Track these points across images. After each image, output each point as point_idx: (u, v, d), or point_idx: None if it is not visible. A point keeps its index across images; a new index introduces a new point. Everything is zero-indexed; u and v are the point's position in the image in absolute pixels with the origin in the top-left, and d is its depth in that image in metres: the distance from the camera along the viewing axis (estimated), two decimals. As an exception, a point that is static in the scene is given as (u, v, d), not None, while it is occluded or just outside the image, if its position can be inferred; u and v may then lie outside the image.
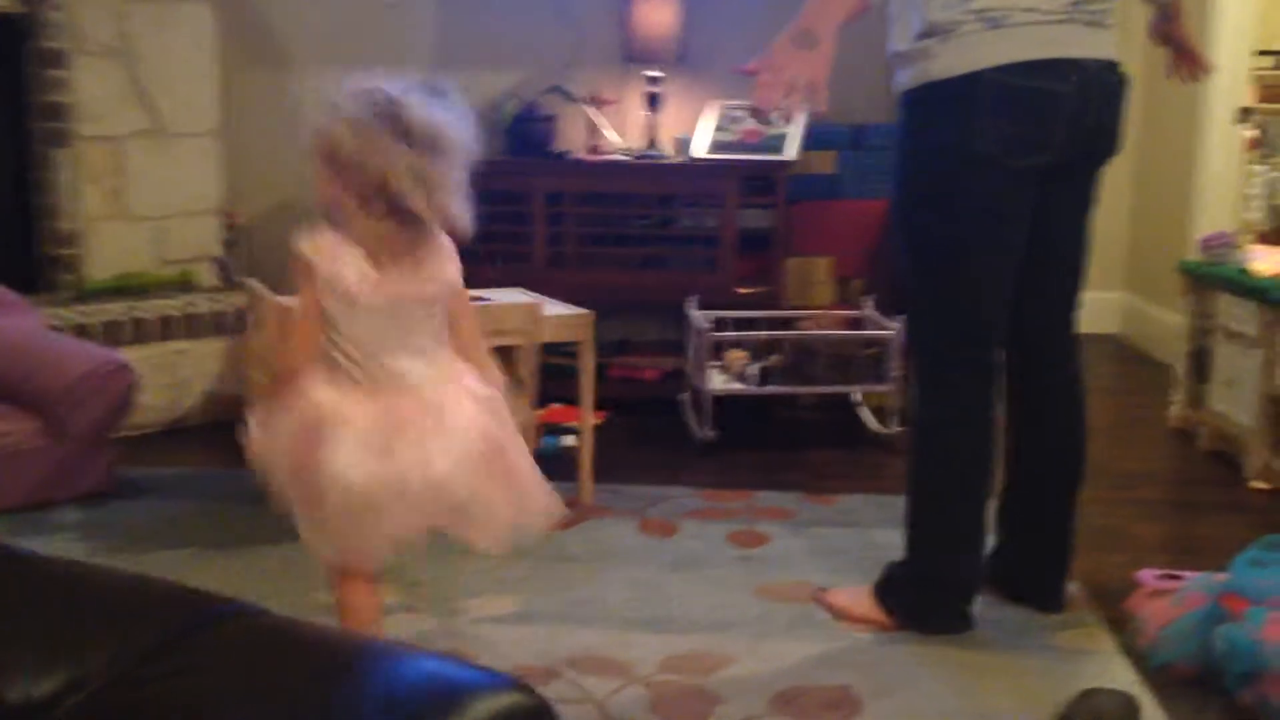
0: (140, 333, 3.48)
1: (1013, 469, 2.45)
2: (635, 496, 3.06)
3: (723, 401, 3.55)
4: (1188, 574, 2.38)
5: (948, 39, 2.11)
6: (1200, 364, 3.58)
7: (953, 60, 2.11)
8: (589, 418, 2.99)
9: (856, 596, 2.42)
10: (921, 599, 2.34)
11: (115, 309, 3.55)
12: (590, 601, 2.47)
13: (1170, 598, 2.25)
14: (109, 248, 3.76)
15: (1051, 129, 2.14)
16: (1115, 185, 3.80)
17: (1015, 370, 2.40)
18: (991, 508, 2.36)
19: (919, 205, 2.25)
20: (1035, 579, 2.45)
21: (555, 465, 3.20)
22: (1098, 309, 4.81)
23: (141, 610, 1.31)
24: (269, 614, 1.36)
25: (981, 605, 2.39)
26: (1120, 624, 2.35)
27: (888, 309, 3.64)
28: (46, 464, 2.89)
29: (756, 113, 2.03)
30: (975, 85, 2.10)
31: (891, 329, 3.49)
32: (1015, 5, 2.09)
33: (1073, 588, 2.49)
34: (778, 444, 3.59)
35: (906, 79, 2.21)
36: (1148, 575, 2.53)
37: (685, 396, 3.77)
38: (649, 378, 3.94)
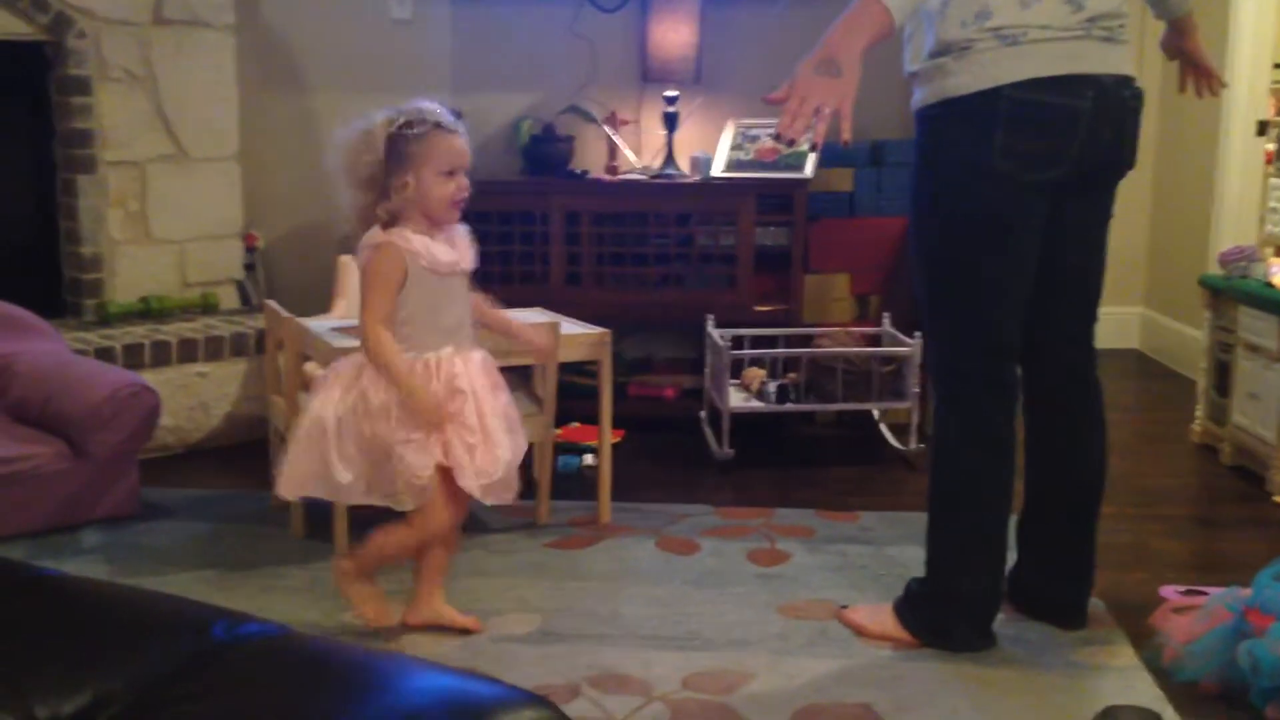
0: (161, 355, 3.50)
1: (1033, 485, 2.44)
2: (654, 515, 3.06)
3: (741, 419, 3.55)
4: (1211, 590, 2.37)
5: (963, 56, 2.12)
6: (1222, 379, 3.56)
7: (970, 77, 2.13)
8: (607, 436, 3.00)
9: (877, 613, 2.41)
10: (943, 616, 2.33)
11: (137, 332, 3.58)
12: (611, 619, 2.47)
13: (1194, 614, 2.23)
14: (132, 271, 3.79)
15: (1068, 144, 2.15)
16: (1135, 200, 3.81)
17: (1034, 385, 2.39)
18: (1012, 524, 2.35)
19: (934, 219, 2.26)
20: (1057, 595, 2.44)
21: (574, 484, 3.24)
22: (1118, 324, 4.81)
23: (167, 629, 1.33)
24: (292, 633, 1.37)
25: (1003, 622, 2.38)
26: (1143, 640, 2.33)
27: (906, 326, 3.64)
28: (70, 486, 2.91)
29: (784, 140, 2.04)
30: (993, 101, 2.11)
31: (909, 346, 3.49)
32: (1030, 23, 2.10)
33: (1095, 604, 2.48)
34: (796, 461, 3.59)
35: (923, 97, 2.22)
36: (1171, 591, 2.52)
37: (704, 414, 3.77)
38: (667, 396, 3.95)
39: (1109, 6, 2.14)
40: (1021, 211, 2.19)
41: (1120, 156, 2.24)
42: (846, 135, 2.00)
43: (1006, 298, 2.24)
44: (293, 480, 2.29)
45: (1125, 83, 2.18)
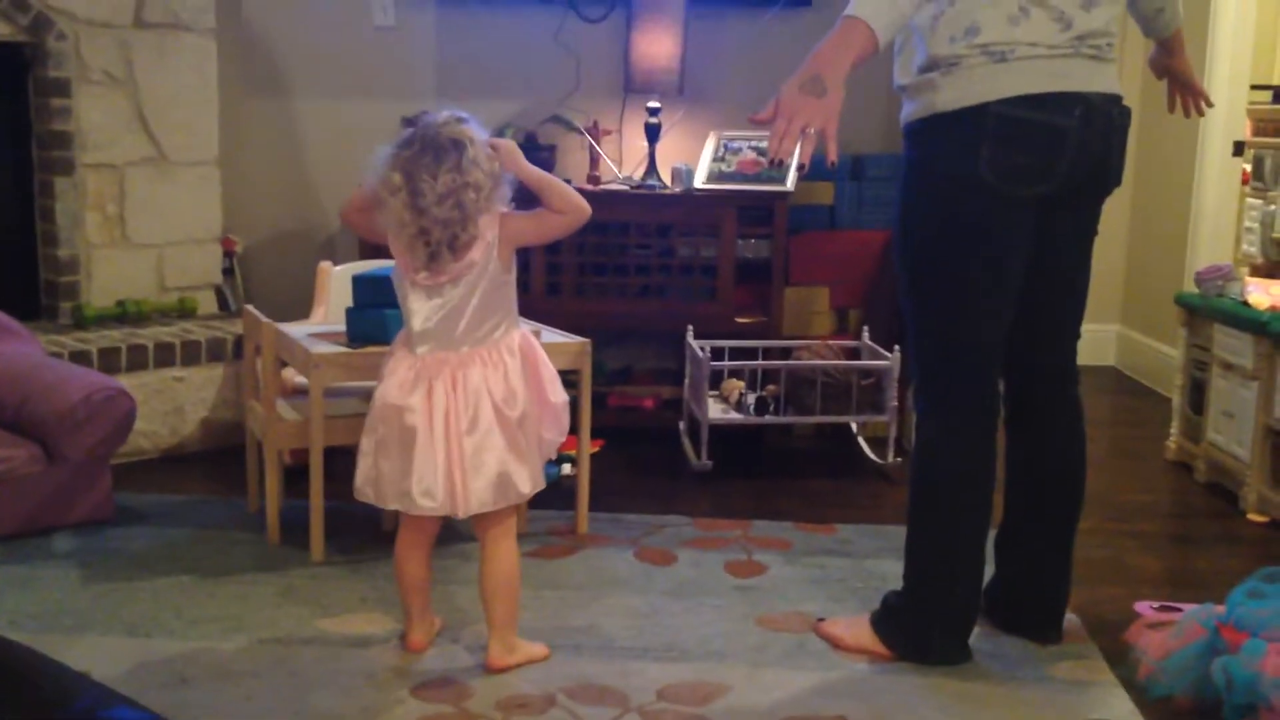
0: (138, 360, 3.48)
1: (1012, 499, 2.45)
2: (632, 525, 3.05)
3: (720, 431, 3.55)
4: (1186, 606, 2.39)
5: (951, 72, 2.14)
6: (1197, 396, 3.59)
7: (957, 93, 2.14)
8: (586, 446, 2.99)
9: (854, 626, 2.41)
10: (919, 629, 2.34)
11: (114, 336, 3.56)
12: (587, 630, 2.46)
13: (1169, 630, 2.24)
14: (109, 275, 3.77)
15: (1055, 161, 2.16)
16: (1113, 218, 3.83)
17: (1015, 399, 2.41)
18: (990, 537, 2.36)
19: (919, 231, 2.27)
20: (1034, 610, 2.45)
21: (553, 493, 3.23)
22: (1095, 341, 4.84)
23: (25, 696, 1.26)
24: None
25: (979, 636, 2.39)
26: (1119, 656, 2.34)
27: (885, 339, 3.65)
28: (44, 490, 2.88)
29: (773, 160, 2.05)
30: (980, 117, 2.12)
31: (888, 359, 3.50)
32: (1019, 40, 2.11)
33: (1071, 619, 2.49)
34: (774, 473, 3.59)
35: (911, 111, 2.23)
36: (1146, 607, 2.53)
37: (683, 425, 3.77)
38: (646, 406, 3.95)
39: (1097, 25, 2.15)
40: (1007, 226, 2.20)
41: (1107, 174, 2.25)
42: (832, 156, 2.01)
43: (990, 312, 2.25)
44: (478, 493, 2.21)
45: (1113, 101, 2.20)
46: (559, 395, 2.32)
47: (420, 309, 2.22)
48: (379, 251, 3.74)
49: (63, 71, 3.60)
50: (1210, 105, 2.53)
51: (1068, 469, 2.41)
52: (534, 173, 2.26)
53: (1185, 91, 2.50)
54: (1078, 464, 2.41)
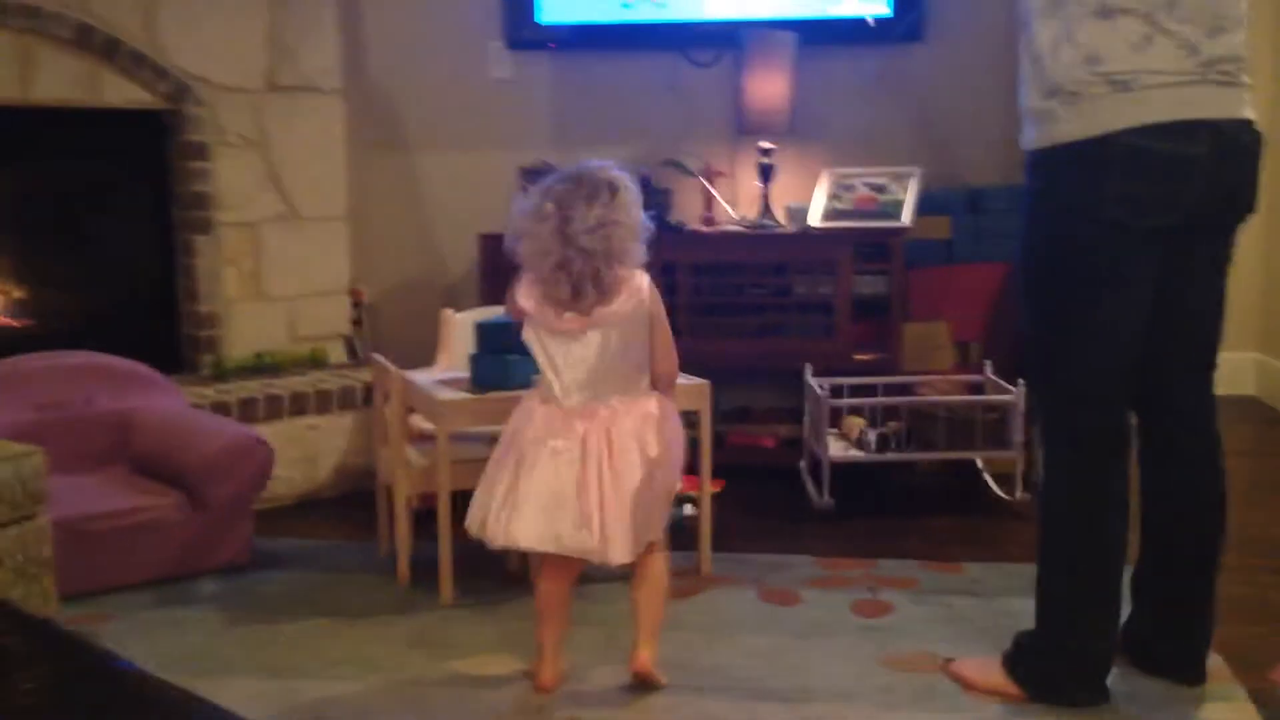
0: (274, 409, 3.61)
1: (1149, 536, 2.37)
2: (754, 565, 3.05)
3: (841, 468, 3.53)
4: (1336, 644, 2.29)
5: (1074, 102, 2.10)
6: (1342, 424, 3.44)
7: (1080, 124, 2.10)
8: (707, 486, 3.00)
9: (986, 667, 2.37)
10: (1054, 670, 2.28)
11: (251, 386, 3.70)
12: (712, 671, 2.46)
13: (1318, 669, 2.15)
14: (246, 328, 3.93)
15: (1183, 192, 2.10)
16: (1248, 242, 3.71)
17: (1148, 433, 2.34)
18: (1127, 574, 2.29)
19: (1043, 265, 2.23)
20: (1175, 650, 2.37)
21: (674, 535, 3.23)
22: (1232, 370, 4.65)
23: None
24: None
25: (1117, 677, 2.32)
26: (1265, 696, 2.26)
27: (1008, 373, 3.59)
28: (188, 536, 3.01)
29: None
30: (1104, 148, 2.08)
31: (1012, 393, 3.44)
32: (1144, 68, 2.06)
33: (1214, 659, 2.40)
34: (898, 511, 3.54)
35: (1034, 138, 2.20)
36: (1293, 645, 2.43)
37: (803, 464, 3.76)
38: (767, 445, 3.94)
39: (1226, 51, 2.09)
40: (1134, 258, 2.15)
41: (1240, 201, 2.19)
42: None
43: (1118, 346, 2.20)
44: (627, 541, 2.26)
45: (1244, 127, 2.13)
46: (683, 444, 2.37)
47: (565, 359, 2.27)
48: (500, 299, 3.84)
49: (201, 135, 3.78)
50: None
51: (1206, 504, 2.33)
52: (661, 315, 2.35)
53: None
54: (1217, 499, 2.33)
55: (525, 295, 2.28)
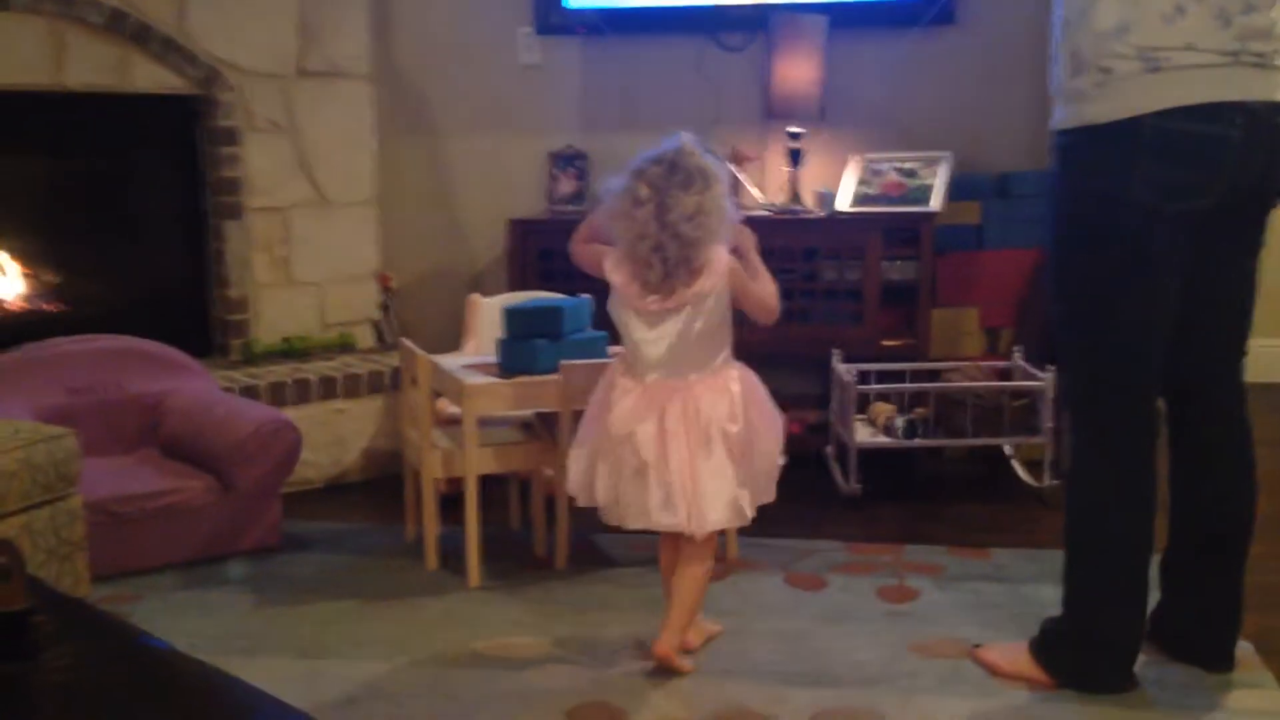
0: (303, 393, 3.63)
1: (1178, 523, 2.36)
2: (781, 550, 3.05)
3: (868, 455, 3.52)
4: (1369, 633, 2.26)
5: (1105, 81, 2.07)
6: (1378, 412, 3.39)
7: (1109, 105, 2.08)
8: (734, 472, 3.00)
9: (1013, 653, 2.36)
10: (1081, 656, 2.27)
11: (280, 370, 3.73)
12: (739, 655, 2.46)
13: (1350, 658, 2.13)
14: (275, 313, 3.95)
15: (1215, 175, 2.08)
16: None
17: (1178, 420, 2.33)
18: (1154, 561, 2.28)
19: (1071, 250, 2.22)
20: (1203, 637, 2.35)
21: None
22: (1265, 357, 4.61)
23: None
24: None
25: (1145, 663, 2.31)
26: (1296, 685, 2.24)
27: (1038, 359, 3.56)
28: (218, 518, 3.03)
29: None
30: (1135, 131, 2.06)
31: (1042, 380, 3.41)
32: (1174, 44, 2.03)
33: (1243, 646, 2.38)
34: (925, 498, 3.53)
35: (1062, 118, 2.18)
36: (1324, 634, 2.41)
37: (830, 450, 3.75)
38: (794, 431, 3.92)
39: (1262, 23, 2.04)
40: (1164, 243, 2.12)
41: (1272, 185, 2.16)
42: None
43: (1147, 332, 2.18)
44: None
45: (1277, 109, 2.09)
46: (778, 415, 2.45)
47: (646, 336, 2.34)
48: (528, 284, 3.85)
49: (231, 121, 3.80)
50: None
51: (1235, 493, 2.31)
52: (757, 262, 2.41)
53: None
54: (1246, 488, 2.31)
55: (614, 269, 2.35)
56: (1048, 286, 2.31)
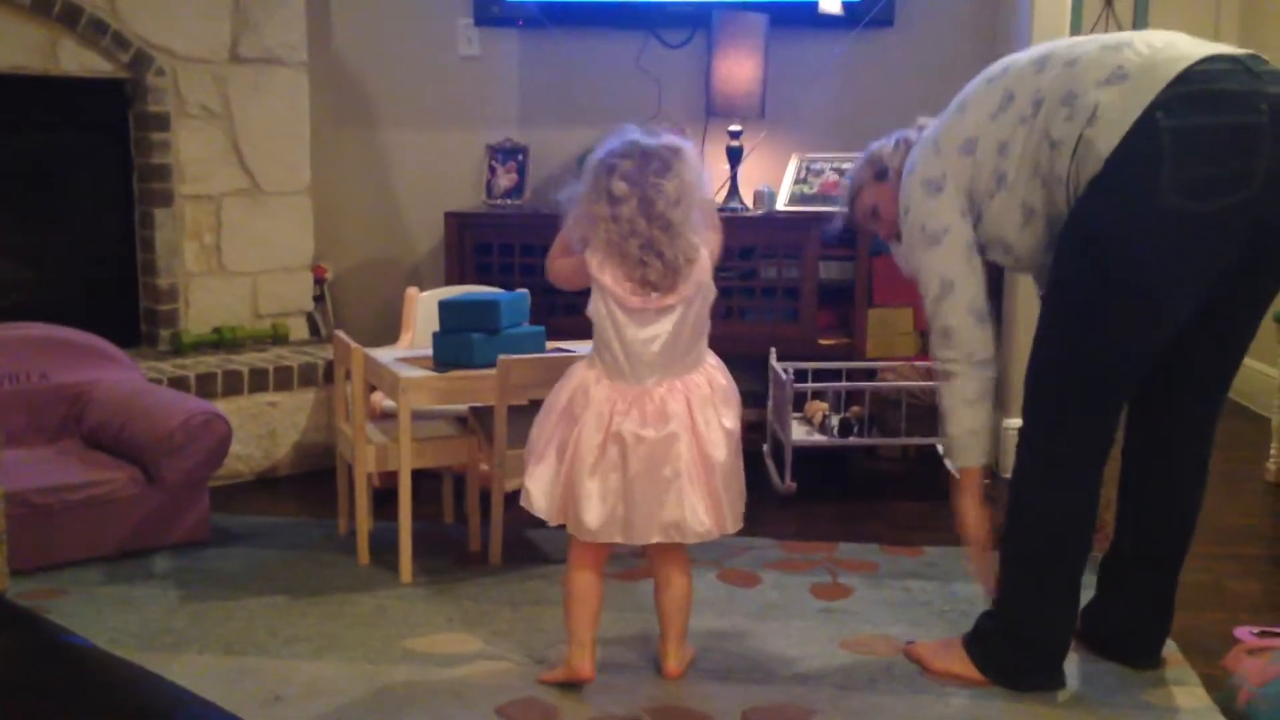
0: (233, 385, 3.57)
1: (1127, 527, 2.37)
2: (715, 547, 3.03)
3: (804, 453, 3.53)
4: (1288, 631, 2.31)
5: (1095, 122, 2.04)
6: (1298, 415, 3.48)
7: (1113, 123, 2.02)
8: (671, 468, 2.99)
9: (946, 649, 2.38)
10: (1014, 654, 2.29)
11: (210, 361, 3.66)
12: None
13: (1269, 655, 2.18)
14: (206, 303, 3.88)
15: (1250, 164, 1.96)
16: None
17: (1151, 431, 2.31)
18: (1094, 561, 2.30)
19: (1086, 267, 2.11)
20: (1134, 638, 2.39)
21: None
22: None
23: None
24: None
25: (1074, 661, 2.34)
26: (1217, 682, 2.28)
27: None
28: (144, 511, 2.97)
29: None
30: (1151, 134, 1.98)
31: (976, 380, 3.45)
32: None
33: (1168, 644, 2.42)
34: (859, 496, 3.56)
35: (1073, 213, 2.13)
36: (1245, 632, 2.45)
37: (766, 447, 3.76)
38: (730, 429, 3.93)
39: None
40: (1193, 258, 2.03)
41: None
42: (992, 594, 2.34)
43: (1141, 360, 2.14)
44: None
45: None
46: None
47: (639, 336, 2.18)
48: (465, 278, 3.81)
49: (162, 106, 3.73)
50: None
51: (1186, 506, 2.33)
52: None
53: None
54: (1196, 500, 2.33)
55: (600, 270, 2.17)
56: (1043, 298, 2.26)
